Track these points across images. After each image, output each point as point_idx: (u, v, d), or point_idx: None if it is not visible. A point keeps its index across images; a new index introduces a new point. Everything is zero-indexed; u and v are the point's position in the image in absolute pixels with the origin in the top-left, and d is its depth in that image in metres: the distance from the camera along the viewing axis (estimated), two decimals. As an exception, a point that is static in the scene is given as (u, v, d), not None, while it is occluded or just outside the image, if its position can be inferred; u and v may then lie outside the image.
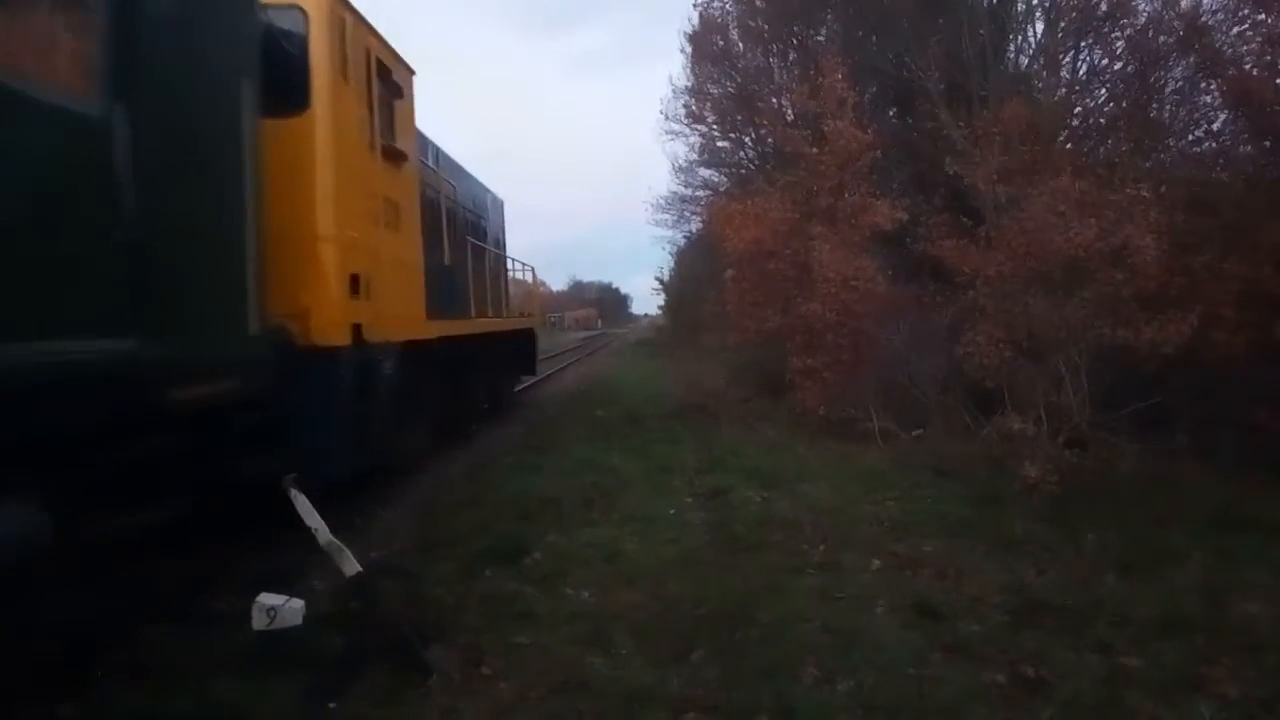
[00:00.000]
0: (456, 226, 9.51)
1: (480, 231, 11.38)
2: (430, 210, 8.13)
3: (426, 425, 8.15)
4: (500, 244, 13.31)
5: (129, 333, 3.26)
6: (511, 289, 13.80)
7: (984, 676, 3.56)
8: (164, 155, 3.55)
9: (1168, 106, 10.96)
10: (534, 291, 17.19)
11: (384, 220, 6.29)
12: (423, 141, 8.31)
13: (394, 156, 6.60)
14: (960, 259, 8.65)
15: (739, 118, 19.37)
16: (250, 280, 4.29)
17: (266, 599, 4.04)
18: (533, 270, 16.38)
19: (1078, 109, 12.40)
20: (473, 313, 9.59)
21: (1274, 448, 7.38)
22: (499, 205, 13.61)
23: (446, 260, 8.73)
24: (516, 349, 13.30)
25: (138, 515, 3.73)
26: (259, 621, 3.97)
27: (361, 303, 5.58)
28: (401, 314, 6.63)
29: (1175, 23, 10.45)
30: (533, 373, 16.24)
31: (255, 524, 4.83)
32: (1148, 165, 9.64)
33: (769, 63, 18.06)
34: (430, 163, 8.74)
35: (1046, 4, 12.47)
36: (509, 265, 14.04)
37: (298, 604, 4.07)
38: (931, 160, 11.14)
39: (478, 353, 9.83)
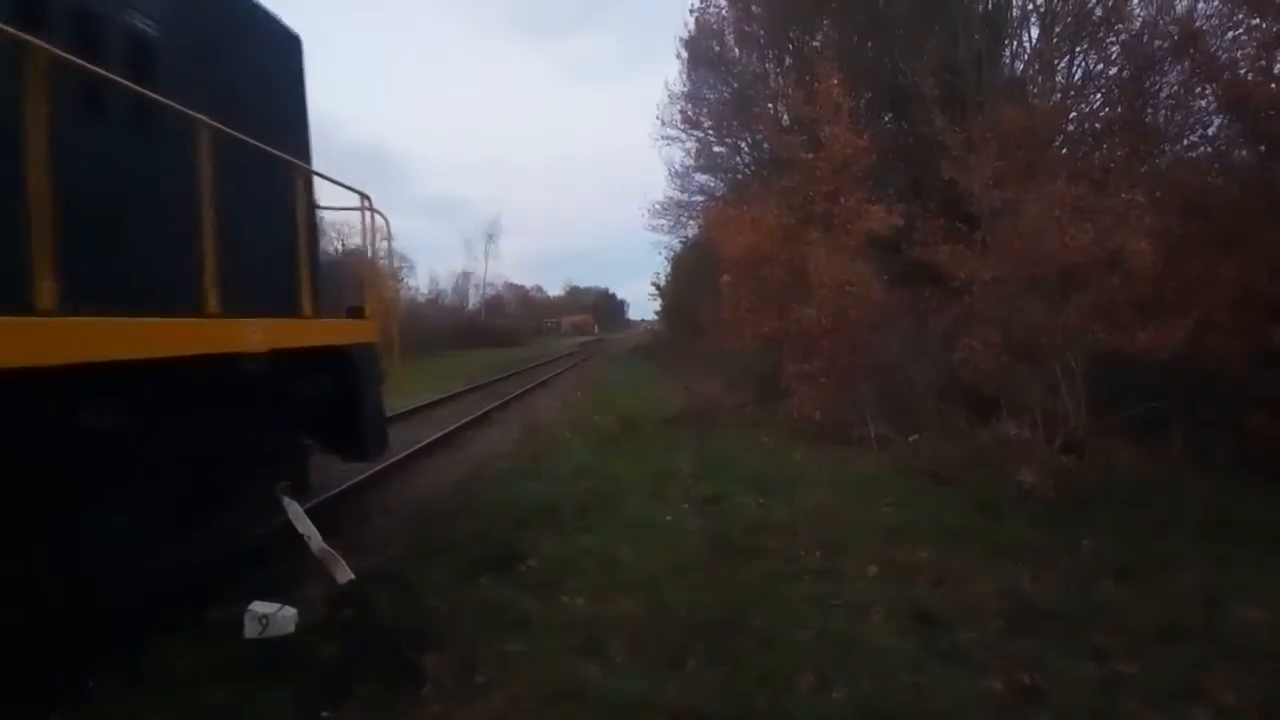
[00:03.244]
0: None
1: (147, 59, 4.25)
2: None
3: None
4: (290, 140, 5.65)
5: None
6: (322, 252, 6.87)
7: (980, 683, 3.55)
8: None
9: (1163, 111, 11.01)
10: (375, 262, 7.02)
11: None
12: None
13: None
14: (956, 264, 8.67)
15: (735, 123, 19.49)
16: None
17: (259, 607, 4.04)
18: (370, 203, 6.51)
19: (1073, 114, 12.42)
20: None
21: (1270, 452, 7.38)
22: (265, 36, 5.73)
23: None
24: (292, 409, 5.49)
25: None
26: (251, 630, 3.97)
27: None
28: None
29: (1170, 27, 10.52)
30: (365, 455, 6.56)
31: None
32: (1143, 170, 9.67)
33: (765, 68, 18.15)
34: None
35: (1041, 9, 12.54)
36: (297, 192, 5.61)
37: (290, 612, 4.07)
38: (927, 165, 11.18)
39: None
